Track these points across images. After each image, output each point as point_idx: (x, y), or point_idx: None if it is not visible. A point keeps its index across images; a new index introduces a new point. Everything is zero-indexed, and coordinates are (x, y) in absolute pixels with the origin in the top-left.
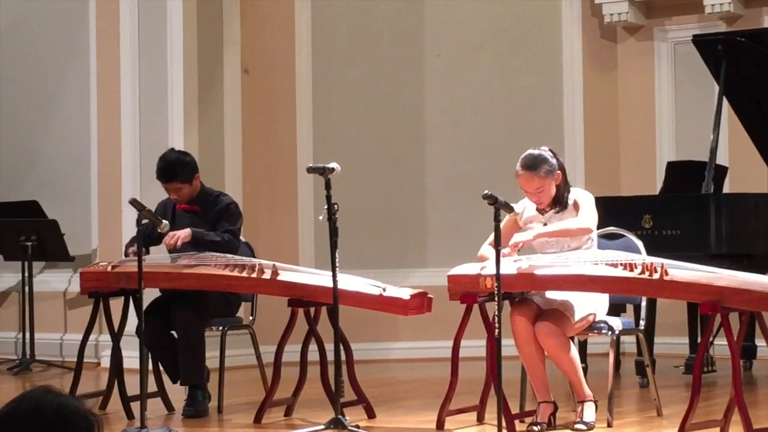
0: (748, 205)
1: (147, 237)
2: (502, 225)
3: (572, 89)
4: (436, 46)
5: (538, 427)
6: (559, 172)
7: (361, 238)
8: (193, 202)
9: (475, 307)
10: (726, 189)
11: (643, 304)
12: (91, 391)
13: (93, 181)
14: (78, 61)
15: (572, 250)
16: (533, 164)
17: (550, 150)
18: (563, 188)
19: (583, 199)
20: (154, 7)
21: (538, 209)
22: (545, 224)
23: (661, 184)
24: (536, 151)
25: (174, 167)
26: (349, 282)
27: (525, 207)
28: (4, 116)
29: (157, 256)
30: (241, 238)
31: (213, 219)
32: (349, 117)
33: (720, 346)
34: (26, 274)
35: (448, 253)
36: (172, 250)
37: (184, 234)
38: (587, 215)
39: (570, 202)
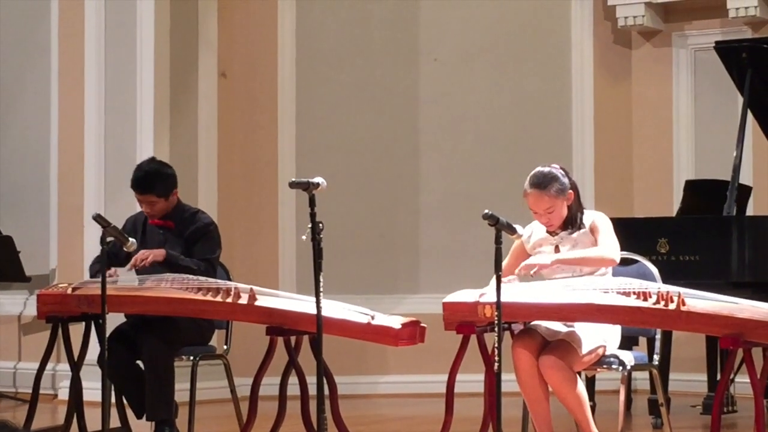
0: None
1: (114, 256)
2: (510, 251)
3: (582, 99)
4: (432, 49)
5: None
6: (571, 191)
7: (348, 260)
8: (167, 217)
9: (473, 338)
10: (750, 211)
11: (658, 336)
12: (48, 426)
13: (52, 194)
14: (38, 61)
15: (584, 275)
16: (543, 182)
17: (562, 168)
18: (576, 209)
19: (603, 223)
20: (122, 4)
21: (548, 231)
22: (557, 246)
23: (679, 205)
24: (546, 169)
25: (152, 178)
26: (333, 309)
27: (533, 231)
28: None
29: (124, 278)
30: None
31: (187, 238)
32: (336, 127)
33: (741, 383)
34: None
35: (444, 278)
36: (139, 271)
37: (157, 252)
38: (610, 244)
39: (586, 223)
